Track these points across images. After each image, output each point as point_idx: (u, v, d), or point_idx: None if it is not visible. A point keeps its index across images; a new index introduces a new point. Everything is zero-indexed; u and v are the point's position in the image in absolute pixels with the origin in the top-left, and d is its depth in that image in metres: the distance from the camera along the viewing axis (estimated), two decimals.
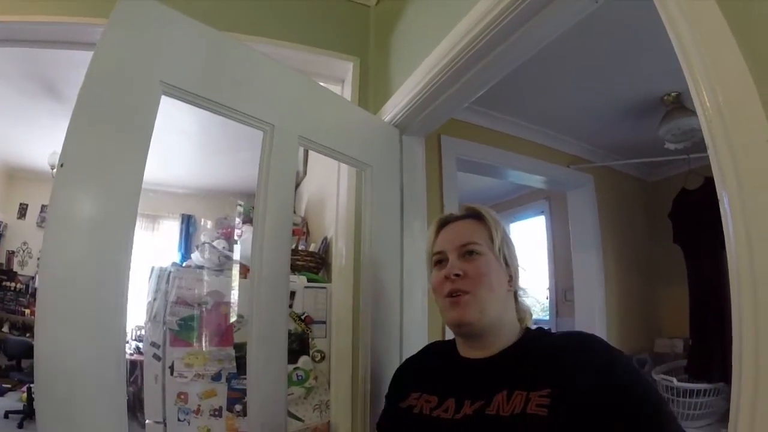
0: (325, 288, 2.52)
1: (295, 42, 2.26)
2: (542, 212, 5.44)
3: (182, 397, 2.31)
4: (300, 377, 2.30)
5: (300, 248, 2.82)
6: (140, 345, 4.85)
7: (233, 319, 2.43)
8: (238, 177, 6.07)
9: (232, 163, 5.81)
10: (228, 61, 1.54)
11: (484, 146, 3.16)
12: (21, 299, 6.76)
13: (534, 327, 1.26)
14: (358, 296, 2.05)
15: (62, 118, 4.56)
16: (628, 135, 3.49)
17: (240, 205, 3.33)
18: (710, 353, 3.03)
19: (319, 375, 2.36)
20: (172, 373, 2.32)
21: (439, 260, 1.25)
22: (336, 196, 2.35)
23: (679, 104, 2.85)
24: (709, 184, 0.84)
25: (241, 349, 2.34)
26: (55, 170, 5.48)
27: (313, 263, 2.70)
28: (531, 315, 1.29)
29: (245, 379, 1.55)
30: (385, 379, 1.80)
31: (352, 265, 2.15)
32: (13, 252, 6.88)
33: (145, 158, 1.28)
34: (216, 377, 2.34)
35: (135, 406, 2.86)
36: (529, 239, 5.66)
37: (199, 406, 2.31)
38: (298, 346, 2.35)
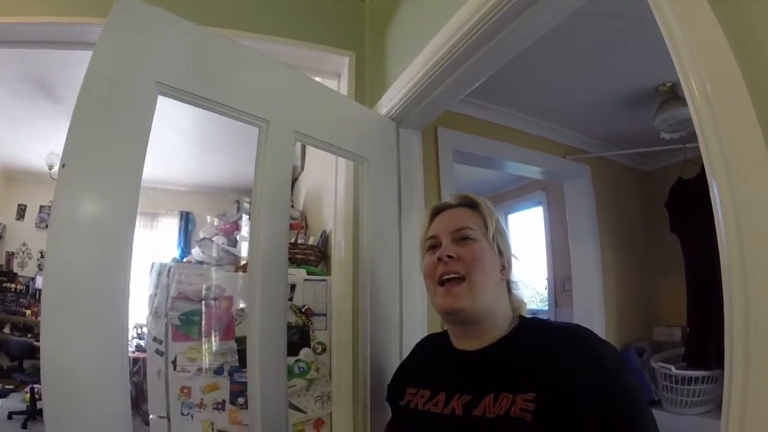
0: (324, 281, 2.53)
1: (290, 37, 2.27)
2: (540, 203, 5.45)
3: (185, 391, 2.32)
4: (301, 369, 2.32)
5: (299, 242, 2.83)
6: (141, 343, 4.88)
7: (235, 312, 2.44)
8: (235, 173, 6.08)
9: (230, 160, 5.82)
10: (222, 60, 1.55)
11: (480, 138, 3.17)
12: (21, 300, 6.78)
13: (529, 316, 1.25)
14: (357, 288, 2.07)
15: (59, 118, 4.59)
16: (624, 125, 3.50)
17: (246, 201, 3.34)
18: (707, 341, 3.05)
19: (321, 366, 2.38)
20: (174, 368, 2.33)
21: (432, 245, 1.24)
22: (334, 189, 2.36)
23: (674, 94, 2.86)
24: (705, 173, 0.85)
25: (242, 342, 2.35)
26: (53, 170, 5.52)
27: (312, 256, 2.72)
28: (525, 305, 1.27)
29: (247, 372, 1.57)
30: (386, 370, 1.82)
31: (351, 258, 2.16)
32: (12, 253, 6.89)
33: (144, 157, 1.30)
34: (218, 371, 2.36)
35: (138, 402, 2.88)
36: (526, 230, 5.68)
37: (202, 399, 2.33)
38: (299, 338, 2.37)
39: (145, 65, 1.34)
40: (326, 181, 2.72)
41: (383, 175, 2.02)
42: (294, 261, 2.58)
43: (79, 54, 2.13)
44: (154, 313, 2.54)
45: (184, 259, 3.32)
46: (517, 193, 5.73)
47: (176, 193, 7.07)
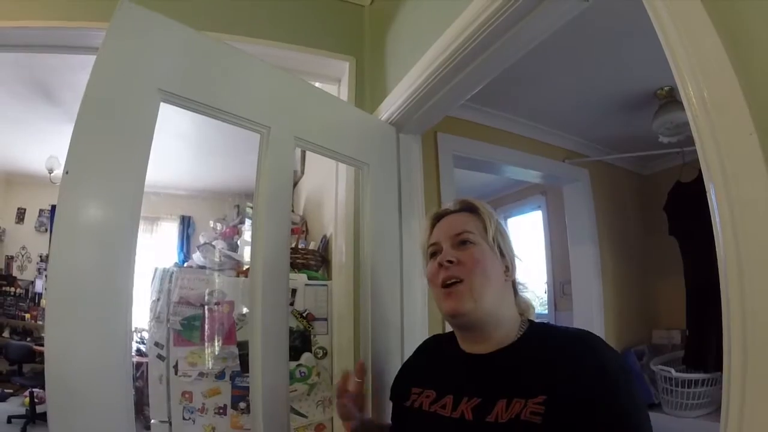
0: (325, 285, 2.54)
1: (291, 43, 2.28)
2: (539, 207, 5.46)
3: (187, 395, 2.33)
4: (303, 374, 2.33)
5: (300, 246, 2.84)
6: (141, 347, 4.88)
7: (236, 317, 2.45)
8: (235, 177, 6.09)
9: (230, 164, 5.83)
10: (223, 66, 1.56)
11: (480, 142, 3.18)
12: (21, 304, 6.78)
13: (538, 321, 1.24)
14: (358, 293, 2.07)
15: (58, 122, 4.60)
16: (623, 129, 3.52)
17: (249, 206, 3.35)
18: (707, 343, 3.06)
19: (322, 371, 2.39)
20: (176, 373, 2.34)
21: (433, 252, 1.24)
22: (334, 194, 2.37)
23: (672, 98, 2.88)
24: (703, 176, 0.86)
25: (244, 347, 2.36)
26: (53, 174, 5.52)
27: (313, 261, 2.73)
28: (533, 308, 1.27)
29: (249, 376, 1.57)
30: (387, 374, 1.83)
31: (351, 263, 2.17)
32: (12, 257, 6.89)
33: (147, 164, 1.32)
34: (220, 375, 2.36)
35: (139, 406, 2.89)
36: (526, 234, 5.68)
37: (204, 404, 2.33)
38: (301, 343, 2.38)
39: (147, 72, 1.36)
40: (327, 185, 2.73)
41: (384, 180, 2.03)
42: (295, 266, 2.59)
43: (78, 57, 2.14)
44: (156, 318, 2.55)
45: (185, 264, 3.32)
46: (516, 197, 5.74)
47: (176, 198, 7.07)
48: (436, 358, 1.33)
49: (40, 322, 6.60)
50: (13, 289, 6.75)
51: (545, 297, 5.25)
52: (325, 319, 2.48)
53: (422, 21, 1.97)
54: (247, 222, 3.28)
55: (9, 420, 5.32)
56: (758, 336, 0.75)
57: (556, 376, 0.98)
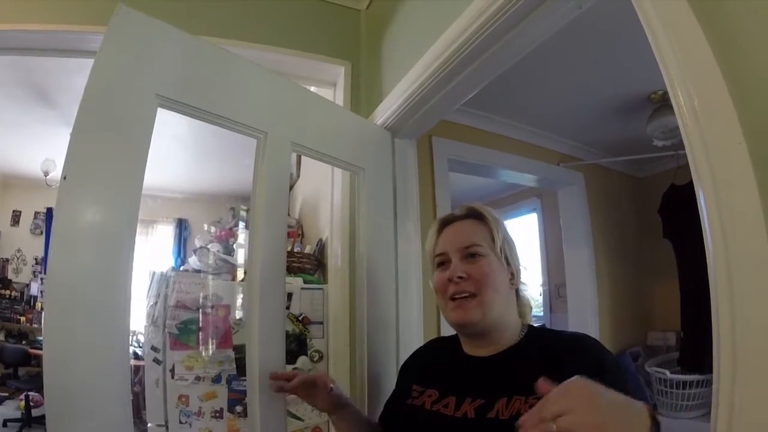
0: (321, 289, 2.54)
1: (286, 47, 2.29)
2: (534, 210, 5.47)
3: (183, 399, 2.33)
4: None
5: (295, 250, 2.84)
6: (137, 351, 4.87)
7: (232, 321, 2.45)
8: (230, 180, 6.09)
9: (225, 167, 5.82)
10: (220, 72, 1.57)
11: (475, 146, 3.20)
12: (16, 307, 6.74)
13: (536, 324, 1.27)
14: (354, 297, 2.08)
15: (54, 124, 4.59)
16: (617, 133, 3.54)
17: (243, 209, 3.35)
18: (701, 345, 3.07)
19: None
20: (173, 377, 2.34)
21: (441, 262, 1.26)
22: (330, 198, 2.37)
23: (666, 102, 2.89)
24: None
25: (240, 350, 2.37)
26: (48, 176, 5.51)
27: (309, 265, 2.73)
28: (531, 308, 1.31)
29: (245, 380, 1.58)
30: (383, 378, 1.84)
31: (347, 266, 2.18)
32: (7, 260, 6.87)
33: (144, 169, 1.32)
34: (216, 379, 2.36)
35: (136, 410, 2.89)
36: (521, 237, 5.69)
37: (200, 408, 2.33)
38: (297, 346, 2.38)
39: (144, 78, 1.36)
40: (322, 189, 2.73)
41: (379, 185, 2.04)
42: (290, 269, 2.59)
43: (75, 60, 2.14)
44: (153, 322, 2.55)
45: (181, 268, 3.33)
46: (511, 200, 5.74)
47: (171, 201, 7.05)
48: (439, 360, 1.34)
49: (35, 325, 6.58)
50: (8, 292, 6.72)
51: (541, 299, 5.27)
52: (321, 323, 2.48)
53: (418, 26, 1.98)
54: (241, 225, 3.28)
55: (5, 423, 5.29)
56: (747, 340, 0.77)
57: (558, 375, 0.99)
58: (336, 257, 2.29)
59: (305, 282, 2.57)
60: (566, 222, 3.94)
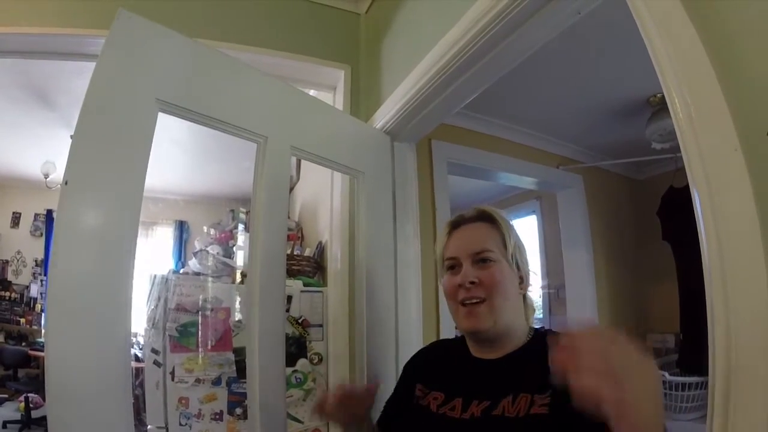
0: (321, 292, 2.55)
1: (286, 51, 2.30)
2: (533, 212, 5.46)
3: (183, 401, 2.33)
4: (298, 379, 2.34)
5: (295, 253, 2.85)
6: (138, 353, 4.88)
7: (232, 324, 2.46)
8: (230, 182, 6.10)
9: (224, 169, 5.83)
10: (221, 76, 1.58)
11: (474, 149, 3.20)
12: (16, 308, 6.74)
13: (539, 327, 1.26)
14: (353, 299, 2.09)
15: (54, 126, 4.60)
16: (616, 135, 3.54)
17: (242, 212, 3.35)
18: (700, 347, 3.06)
19: (318, 377, 2.40)
20: (173, 379, 2.34)
21: (452, 266, 1.23)
22: (330, 201, 2.38)
23: (665, 105, 2.87)
24: None
25: (240, 353, 2.37)
26: (48, 179, 5.51)
27: (308, 267, 2.73)
28: (534, 311, 1.29)
29: (245, 382, 1.59)
30: (383, 380, 1.83)
31: (347, 269, 2.19)
32: (7, 261, 6.87)
33: (145, 173, 1.33)
34: (216, 382, 2.37)
35: (137, 412, 2.89)
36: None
37: (200, 410, 2.33)
38: (296, 349, 2.39)
39: (144, 82, 1.37)
40: (322, 192, 2.74)
41: (378, 188, 2.05)
42: (290, 272, 2.60)
43: (75, 63, 2.15)
44: (154, 325, 2.56)
45: (181, 270, 3.33)
46: (510, 202, 5.73)
47: (171, 203, 7.05)
48: (445, 361, 1.33)
49: (35, 327, 6.58)
50: (8, 293, 6.72)
51: (540, 301, 5.26)
52: (321, 326, 2.49)
53: (417, 30, 1.99)
54: (241, 227, 3.29)
55: (4, 425, 5.29)
56: (741, 342, 0.78)
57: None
58: (335, 260, 2.30)
59: (305, 285, 2.58)
60: (565, 224, 3.94)
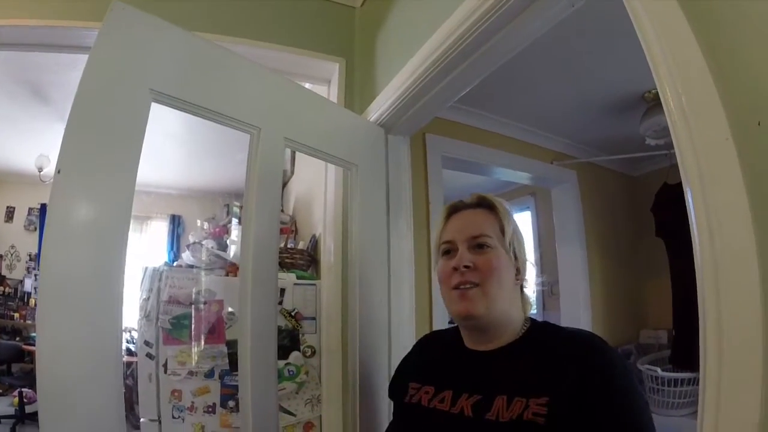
0: (314, 285, 2.55)
1: (281, 44, 2.29)
2: (528, 208, 5.48)
3: (176, 394, 2.33)
4: (291, 372, 2.34)
5: (289, 246, 2.85)
6: (130, 346, 4.87)
7: (225, 316, 2.45)
8: (225, 177, 6.07)
9: (219, 164, 5.81)
10: (214, 67, 1.57)
11: (468, 144, 3.20)
12: (10, 303, 6.71)
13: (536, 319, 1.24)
14: (346, 293, 2.09)
15: (48, 120, 4.57)
16: (611, 131, 3.56)
17: (236, 206, 3.35)
18: (693, 343, 3.08)
19: (310, 370, 2.40)
20: (165, 371, 2.34)
21: (447, 250, 1.21)
22: (323, 194, 2.38)
23: (659, 101, 2.89)
24: None
25: (233, 346, 2.37)
26: (42, 172, 5.48)
27: (302, 261, 2.74)
28: (531, 304, 1.26)
29: (238, 375, 1.58)
30: (375, 373, 1.85)
31: (340, 262, 2.19)
32: (0, 256, 6.84)
33: (138, 163, 1.33)
34: (209, 374, 2.36)
35: (129, 405, 2.89)
36: None
37: (193, 402, 2.33)
38: (289, 341, 2.39)
39: (138, 72, 1.37)
40: (316, 186, 2.74)
41: (372, 181, 2.05)
42: (283, 265, 2.60)
43: (70, 56, 2.15)
44: (146, 317, 2.55)
45: (175, 263, 3.32)
46: (505, 198, 5.56)
47: (165, 197, 7.02)
48: (436, 354, 1.32)
49: (29, 322, 6.55)
50: (1, 288, 6.69)
51: (534, 297, 5.28)
52: (314, 318, 2.49)
53: (411, 23, 1.99)
54: (234, 221, 3.28)
55: None
56: (732, 337, 0.77)
57: (561, 376, 0.97)
58: (329, 253, 2.30)
59: (298, 278, 2.58)
60: (559, 220, 3.95)
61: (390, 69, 2.07)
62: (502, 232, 1.19)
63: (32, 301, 6.70)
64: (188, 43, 1.52)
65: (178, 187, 6.96)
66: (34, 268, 6.81)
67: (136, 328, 3.11)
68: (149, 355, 2.47)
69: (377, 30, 2.30)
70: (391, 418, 1.35)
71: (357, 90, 2.41)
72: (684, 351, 3.19)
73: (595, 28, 2.26)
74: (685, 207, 0.88)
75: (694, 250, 0.85)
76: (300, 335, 2.44)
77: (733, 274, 0.79)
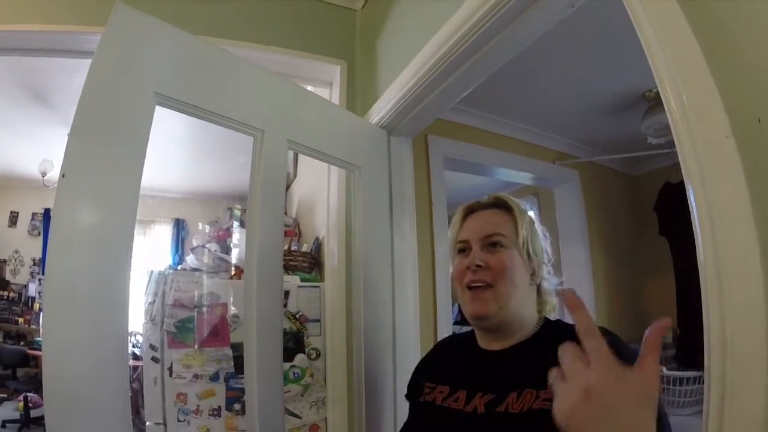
0: (318, 287, 2.55)
1: (283, 47, 2.30)
2: (531, 208, 5.44)
3: (181, 397, 2.33)
4: (296, 375, 2.34)
5: (293, 248, 2.85)
6: (135, 351, 4.87)
7: (229, 319, 2.46)
8: (228, 180, 6.07)
9: (222, 167, 5.81)
10: (218, 70, 1.58)
11: (470, 145, 3.21)
12: (14, 308, 6.72)
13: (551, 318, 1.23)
14: (350, 295, 2.09)
15: (52, 124, 4.58)
16: (612, 131, 3.55)
17: (237, 209, 3.35)
18: (697, 341, 3.07)
19: (315, 372, 2.40)
20: (171, 375, 2.34)
21: (462, 249, 1.23)
22: (326, 196, 2.39)
23: (661, 100, 2.89)
24: None
25: (238, 348, 2.37)
26: (46, 177, 5.49)
27: (305, 263, 2.74)
28: (553, 305, 1.25)
29: (243, 378, 1.59)
30: (380, 374, 1.85)
31: (344, 264, 2.19)
32: (4, 261, 6.85)
33: (142, 167, 1.33)
34: (214, 377, 2.37)
35: (135, 408, 2.89)
36: None
37: (198, 406, 2.34)
38: (294, 344, 2.39)
39: (142, 76, 1.38)
40: (319, 188, 2.74)
41: (375, 183, 2.06)
42: (287, 268, 2.60)
43: (73, 61, 2.15)
44: (151, 321, 2.56)
45: (179, 267, 3.33)
46: None
47: (169, 201, 7.04)
48: (451, 356, 1.33)
49: (33, 326, 6.57)
50: (6, 293, 6.70)
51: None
52: (318, 321, 2.49)
53: (412, 25, 1.99)
54: (236, 224, 3.28)
55: (3, 425, 5.28)
56: (736, 334, 0.78)
57: None
58: (332, 255, 2.30)
59: (302, 280, 2.58)
60: (562, 220, 3.94)
61: (391, 71, 2.07)
62: (516, 232, 1.20)
63: (36, 306, 6.72)
64: (192, 46, 1.53)
65: (182, 190, 6.96)
66: (38, 273, 6.82)
67: (141, 332, 3.12)
68: (154, 359, 2.48)
69: (378, 32, 2.31)
70: (397, 418, 1.36)
71: (359, 92, 2.42)
72: (689, 349, 3.19)
73: (595, 28, 2.26)
74: (687, 205, 0.88)
75: (696, 248, 0.86)
76: (305, 338, 2.44)
77: (735, 270, 0.79)
